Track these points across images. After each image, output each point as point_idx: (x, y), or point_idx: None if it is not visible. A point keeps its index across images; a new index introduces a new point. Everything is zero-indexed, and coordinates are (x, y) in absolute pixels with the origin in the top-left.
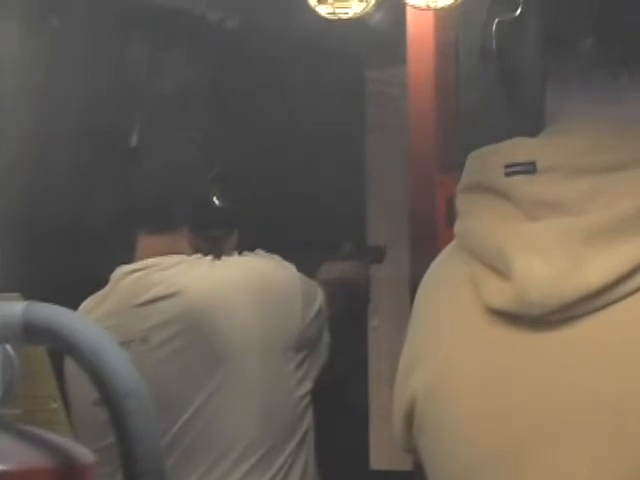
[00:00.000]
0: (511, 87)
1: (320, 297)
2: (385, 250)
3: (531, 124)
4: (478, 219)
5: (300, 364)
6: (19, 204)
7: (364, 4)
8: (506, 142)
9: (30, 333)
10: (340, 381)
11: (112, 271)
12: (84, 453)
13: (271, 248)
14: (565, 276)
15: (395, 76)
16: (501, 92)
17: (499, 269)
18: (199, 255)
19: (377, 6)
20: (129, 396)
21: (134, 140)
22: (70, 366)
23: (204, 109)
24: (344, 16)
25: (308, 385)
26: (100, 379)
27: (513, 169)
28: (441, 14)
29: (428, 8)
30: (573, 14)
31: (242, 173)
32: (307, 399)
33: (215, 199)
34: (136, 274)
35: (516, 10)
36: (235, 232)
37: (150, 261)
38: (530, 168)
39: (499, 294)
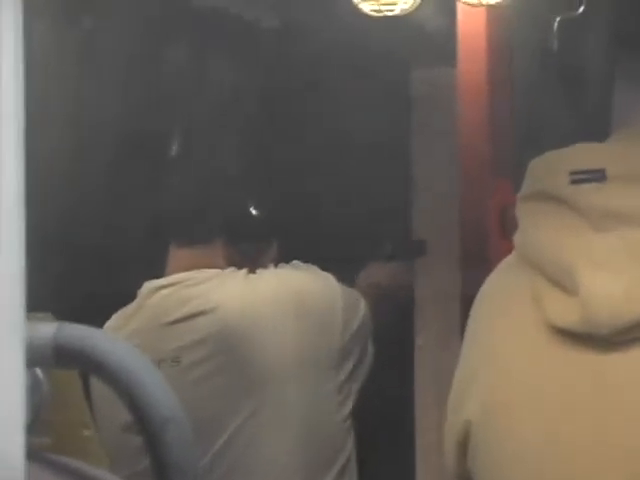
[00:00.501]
0: (575, 89)
1: (362, 309)
2: (425, 243)
3: (596, 128)
4: (541, 230)
5: (342, 384)
6: (48, 217)
7: (412, 0)
8: (571, 147)
9: (61, 356)
10: (383, 404)
11: (140, 286)
12: None
13: (309, 259)
14: (637, 293)
15: (444, 76)
16: (562, 93)
17: (565, 285)
18: (233, 268)
19: (425, 2)
20: (167, 423)
21: (174, 149)
22: (97, 389)
23: (240, 113)
24: (390, 13)
25: (350, 407)
26: (136, 405)
27: (580, 176)
28: (494, 11)
29: (480, 5)
30: None
31: (280, 180)
32: (349, 422)
33: (252, 209)
34: (166, 290)
35: (579, 7)
36: (274, 244)
37: (181, 276)
38: (599, 176)
39: (564, 312)
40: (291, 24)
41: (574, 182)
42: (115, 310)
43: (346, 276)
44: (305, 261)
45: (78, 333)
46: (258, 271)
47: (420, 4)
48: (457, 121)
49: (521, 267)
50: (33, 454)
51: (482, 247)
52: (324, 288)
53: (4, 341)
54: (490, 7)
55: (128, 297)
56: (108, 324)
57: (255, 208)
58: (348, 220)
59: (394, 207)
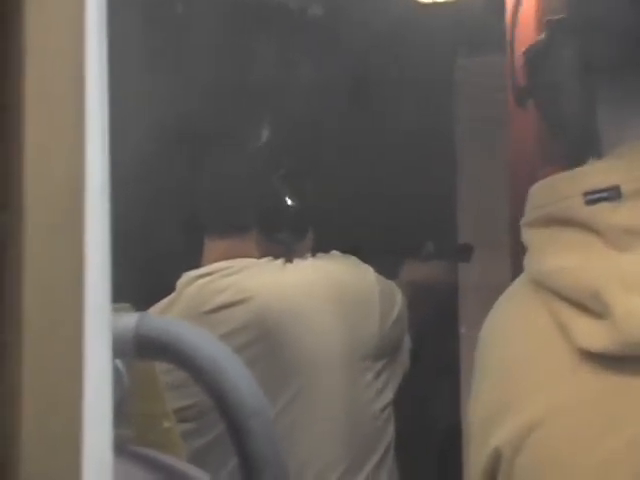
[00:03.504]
0: (555, 120)
1: (399, 300)
2: (472, 248)
3: (584, 151)
4: (559, 256)
5: (379, 373)
6: (128, 209)
7: None
8: (580, 168)
9: (143, 347)
10: (428, 392)
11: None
12: (201, 477)
13: (348, 250)
14: None
15: (490, 65)
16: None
17: (592, 309)
18: (269, 258)
19: None
20: (254, 415)
21: (264, 136)
22: None
23: (281, 102)
24: (439, 0)
25: (388, 396)
26: (222, 396)
27: (595, 196)
28: None
29: None
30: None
31: (318, 169)
32: (388, 411)
33: (287, 199)
34: (202, 280)
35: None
36: (309, 234)
37: (217, 265)
38: (614, 194)
39: (595, 336)
40: (337, 12)
41: (589, 203)
42: (153, 301)
43: (385, 269)
44: (343, 253)
45: (160, 324)
46: (295, 261)
47: None
48: (505, 109)
49: (536, 293)
50: (119, 447)
51: None
52: (361, 278)
53: (92, 333)
54: None
55: (168, 288)
56: None
57: (291, 198)
58: (388, 211)
59: (438, 197)
